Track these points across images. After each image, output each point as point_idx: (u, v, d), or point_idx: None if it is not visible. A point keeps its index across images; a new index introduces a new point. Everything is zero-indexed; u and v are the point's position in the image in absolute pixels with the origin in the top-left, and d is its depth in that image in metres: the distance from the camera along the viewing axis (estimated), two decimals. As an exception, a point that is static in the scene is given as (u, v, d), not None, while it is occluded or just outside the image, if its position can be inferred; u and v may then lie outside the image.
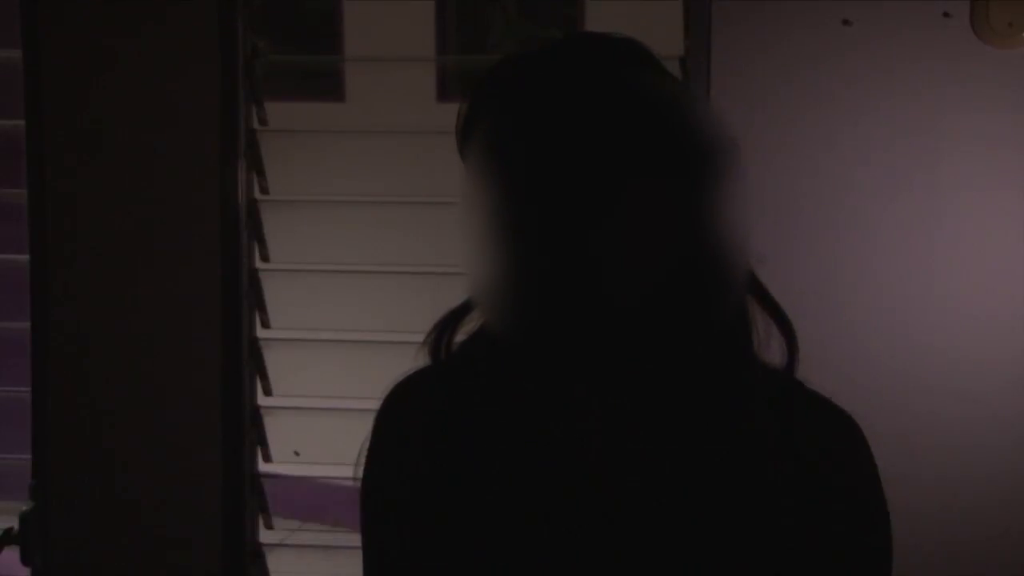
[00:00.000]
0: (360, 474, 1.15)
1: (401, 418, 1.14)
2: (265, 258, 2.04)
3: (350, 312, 2.07)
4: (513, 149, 0.99)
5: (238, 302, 1.99)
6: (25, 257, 1.99)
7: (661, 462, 1.03)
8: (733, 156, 1.04)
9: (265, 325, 2.05)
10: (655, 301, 1.00)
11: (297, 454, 2.08)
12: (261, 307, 2.04)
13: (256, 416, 2.03)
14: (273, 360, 2.05)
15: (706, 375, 1.04)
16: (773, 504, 1.02)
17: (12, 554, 2.02)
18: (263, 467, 2.05)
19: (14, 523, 2.02)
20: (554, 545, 1.03)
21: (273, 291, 2.04)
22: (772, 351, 1.08)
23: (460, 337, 1.13)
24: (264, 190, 2.04)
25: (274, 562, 2.05)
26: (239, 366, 1.99)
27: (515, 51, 1.06)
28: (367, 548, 1.15)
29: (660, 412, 1.04)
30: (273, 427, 2.05)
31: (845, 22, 1.84)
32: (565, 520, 1.03)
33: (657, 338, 1.02)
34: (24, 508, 2.02)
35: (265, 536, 2.05)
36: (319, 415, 2.06)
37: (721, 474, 1.02)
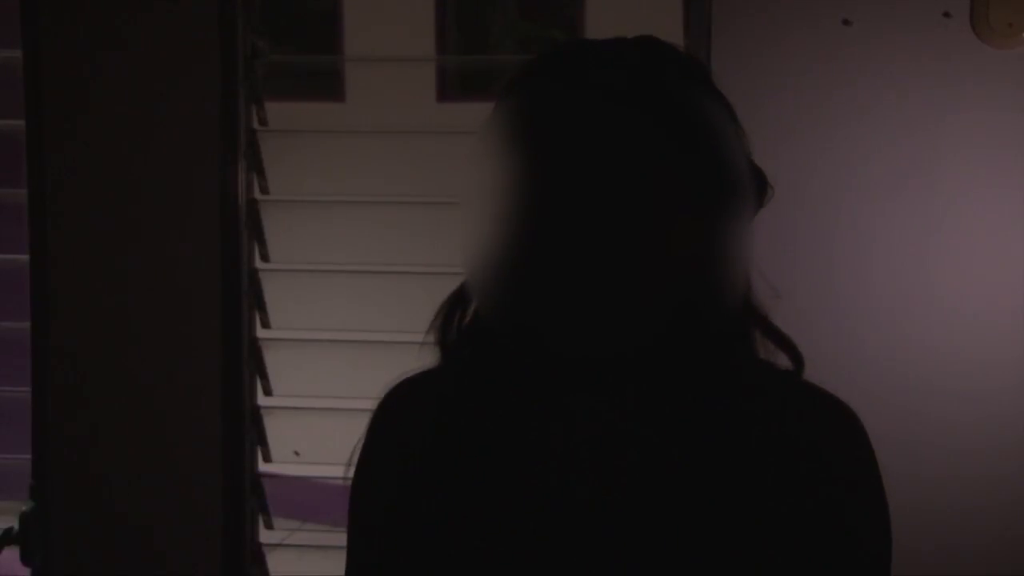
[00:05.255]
0: (352, 475, 1.15)
1: (396, 423, 1.14)
2: (265, 258, 2.04)
3: (350, 312, 2.07)
4: (545, 138, 0.99)
5: (238, 302, 1.99)
6: (25, 257, 1.99)
7: (657, 467, 1.03)
8: (763, 194, 1.05)
9: (265, 325, 2.05)
10: (662, 308, 1.00)
11: (297, 454, 2.08)
12: (261, 307, 2.04)
13: (256, 416, 2.03)
14: (273, 360, 2.05)
15: (703, 375, 1.04)
16: (768, 501, 1.02)
17: (12, 554, 2.02)
18: (263, 467, 2.05)
19: (14, 523, 2.02)
20: (548, 552, 1.03)
21: (273, 291, 2.04)
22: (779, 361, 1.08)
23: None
24: (264, 190, 2.04)
25: (274, 562, 2.05)
26: (239, 366, 1.99)
27: (579, 39, 1.05)
28: (352, 547, 1.15)
29: (658, 417, 1.04)
30: (273, 427, 2.05)
31: (845, 22, 1.84)
32: (560, 527, 1.03)
33: (661, 346, 1.02)
34: (24, 508, 2.02)
35: (265, 536, 2.05)
36: (319, 415, 2.06)
37: (716, 471, 1.02)
